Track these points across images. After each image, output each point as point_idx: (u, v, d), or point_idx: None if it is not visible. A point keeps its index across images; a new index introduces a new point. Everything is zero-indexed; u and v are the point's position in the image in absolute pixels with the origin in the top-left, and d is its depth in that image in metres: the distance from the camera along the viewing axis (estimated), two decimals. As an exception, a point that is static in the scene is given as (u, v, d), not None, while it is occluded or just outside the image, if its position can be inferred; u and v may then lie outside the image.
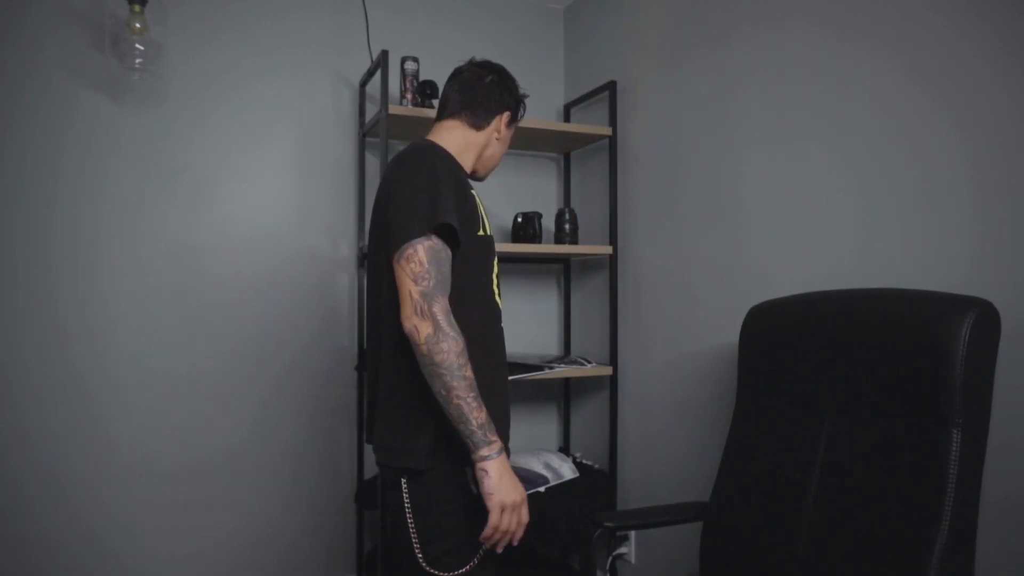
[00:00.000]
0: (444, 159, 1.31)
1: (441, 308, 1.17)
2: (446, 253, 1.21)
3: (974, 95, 1.37)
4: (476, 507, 1.25)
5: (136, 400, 2.23)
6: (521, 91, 1.55)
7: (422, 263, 1.17)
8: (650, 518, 1.80)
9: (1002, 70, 1.33)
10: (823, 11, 1.69)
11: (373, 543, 2.48)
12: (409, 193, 1.23)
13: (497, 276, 1.42)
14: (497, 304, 1.38)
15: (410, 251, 1.18)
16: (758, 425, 1.55)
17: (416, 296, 1.17)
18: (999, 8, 1.33)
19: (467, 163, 1.45)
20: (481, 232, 1.33)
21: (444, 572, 1.24)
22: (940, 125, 1.43)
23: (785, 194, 1.80)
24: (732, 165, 1.98)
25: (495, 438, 1.20)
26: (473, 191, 1.36)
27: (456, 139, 1.43)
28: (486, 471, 1.19)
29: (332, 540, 2.49)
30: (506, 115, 1.49)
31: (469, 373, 1.18)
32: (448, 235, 1.22)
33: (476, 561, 1.26)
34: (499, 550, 1.25)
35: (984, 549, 1.26)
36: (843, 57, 1.64)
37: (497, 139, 1.49)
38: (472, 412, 1.17)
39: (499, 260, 2.55)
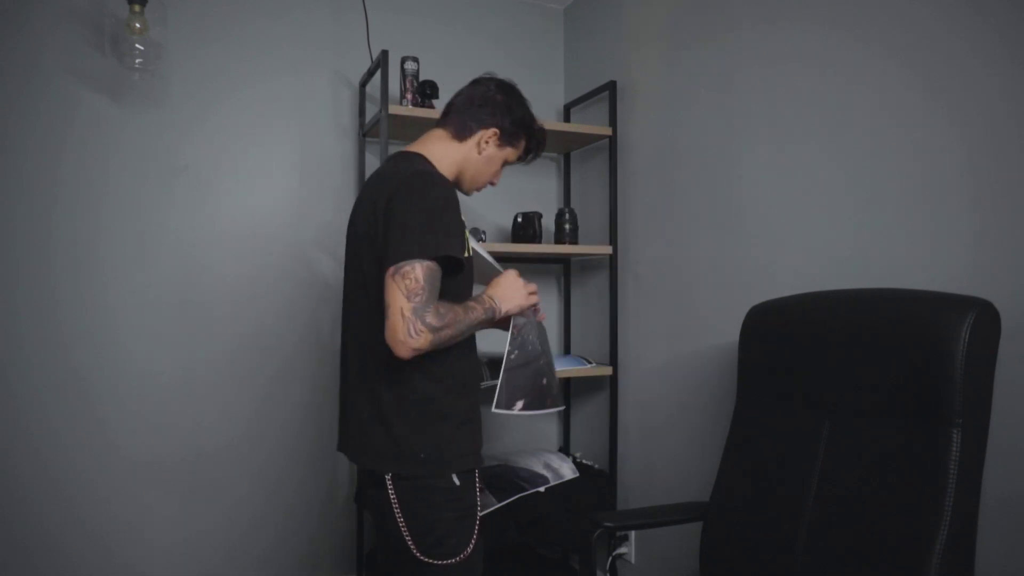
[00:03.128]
0: (447, 186, 1.32)
1: (433, 314, 1.21)
2: (439, 275, 1.25)
3: (975, 94, 1.37)
4: (461, 503, 1.31)
5: (134, 399, 2.23)
6: (536, 124, 1.52)
7: (418, 280, 1.20)
8: (650, 518, 1.81)
9: (1003, 70, 1.33)
10: (824, 12, 1.69)
11: (373, 543, 2.48)
12: (416, 218, 1.25)
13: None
14: None
15: (407, 268, 1.20)
16: (758, 425, 1.56)
17: (408, 314, 1.19)
18: (1000, 6, 1.33)
19: (448, 175, 1.44)
20: (467, 253, 1.35)
21: (438, 560, 1.28)
22: (941, 124, 1.43)
23: (785, 194, 1.80)
24: (732, 165, 1.98)
25: (487, 302, 1.36)
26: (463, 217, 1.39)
27: (438, 149, 1.44)
28: (501, 313, 1.40)
29: (332, 540, 2.49)
30: (491, 131, 1.45)
31: (467, 316, 1.28)
32: (448, 263, 1.27)
33: (467, 552, 1.30)
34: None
35: (984, 549, 1.26)
36: (843, 58, 1.64)
37: (479, 155, 1.46)
38: (482, 319, 1.33)
39: (500, 260, 2.57)
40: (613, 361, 2.46)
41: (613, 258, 2.46)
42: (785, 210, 1.80)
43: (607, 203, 2.50)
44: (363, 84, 2.44)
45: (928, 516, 1.15)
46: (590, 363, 2.47)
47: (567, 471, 2.34)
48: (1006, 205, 1.32)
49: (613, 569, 2.42)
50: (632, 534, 2.37)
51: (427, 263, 1.21)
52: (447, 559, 1.28)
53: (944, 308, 1.22)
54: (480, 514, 1.35)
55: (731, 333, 1.90)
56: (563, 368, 2.38)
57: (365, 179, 2.46)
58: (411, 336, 1.19)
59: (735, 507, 1.54)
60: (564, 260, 2.79)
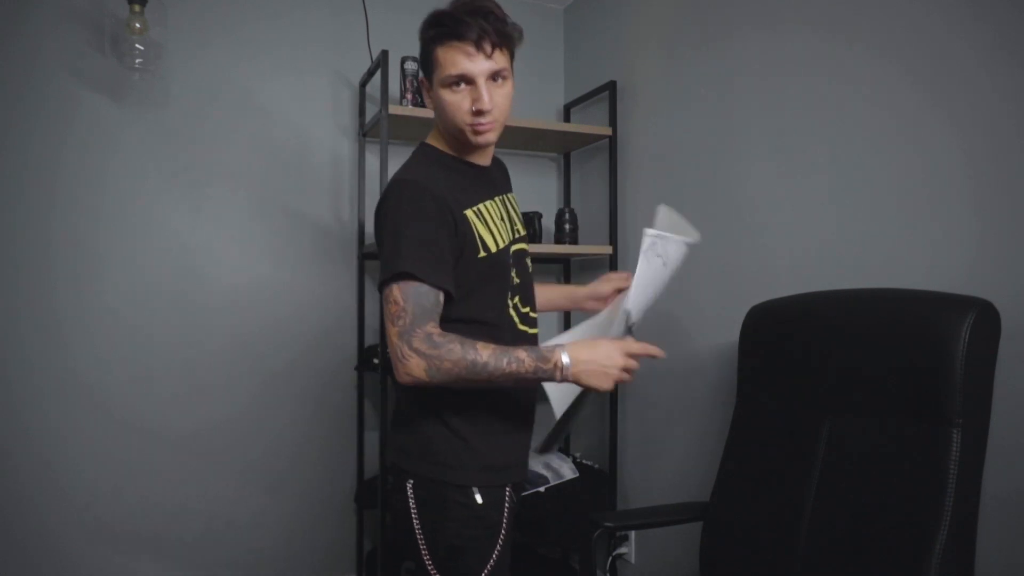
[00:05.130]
0: (415, 193, 1.16)
1: (421, 338, 1.10)
2: (424, 289, 1.13)
3: (974, 94, 1.37)
4: (482, 522, 1.22)
5: (134, 399, 2.23)
6: (432, 20, 1.18)
7: (397, 302, 1.11)
8: (650, 518, 1.81)
9: (1002, 70, 1.33)
10: (823, 11, 1.69)
11: (373, 543, 2.48)
12: (384, 235, 1.17)
13: (520, 285, 1.29)
14: (511, 319, 1.27)
15: (387, 291, 1.13)
16: (758, 425, 1.56)
17: (395, 339, 1.11)
18: (998, 8, 1.33)
19: (447, 139, 1.27)
20: (483, 253, 1.20)
21: (450, 572, 1.21)
22: (940, 124, 1.43)
23: (785, 194, 1.80)
24: (732, 165, 1.98)
25: (550, 359, 1.13)
26: (473, 209, 1.21)
27: (436, 128, 1.29)
28: (571, 381, 1.15)
29: (332, 540, 2.49)
30: (423, 79, 1.25)
31: (484, 355, 1.10)
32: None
33: (484, 574, 1.21)
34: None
35: (984, 549, 1.26)
36: (843, 57, 1.64)
37: (435, 106, 1.23)
38: (521, 371, 1.11)
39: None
40: (613, 361, 2.46)
41: (613, 258, 2.46)
42: (785, 210, 1.80)
43: (607, 203, 2.50)
44: (363, 84, 2.44)
45: (928, 516, 1.15)
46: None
47: (567, 471, 2.35)
48: (1006, 206, 1.32)
49: (613, 569, 2.42)
50: (632, 534, 2.37)
51: (402, 282, 1.11)
52: None
53: (944, 308, 1.22)
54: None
55: (731, 333, 1.90)
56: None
57: (365, 179, 2.47)
58: (400, 360, 1.10)
59: (735, 507, 1.54)
60: (564, 260, 2.79)
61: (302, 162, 2.46)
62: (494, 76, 1.18)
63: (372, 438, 2.47)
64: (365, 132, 2.44)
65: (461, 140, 1.23)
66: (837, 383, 1.38)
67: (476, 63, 1.15)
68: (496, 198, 1.29)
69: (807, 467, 1.38)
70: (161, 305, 2.27)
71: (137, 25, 2.03)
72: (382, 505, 2.14)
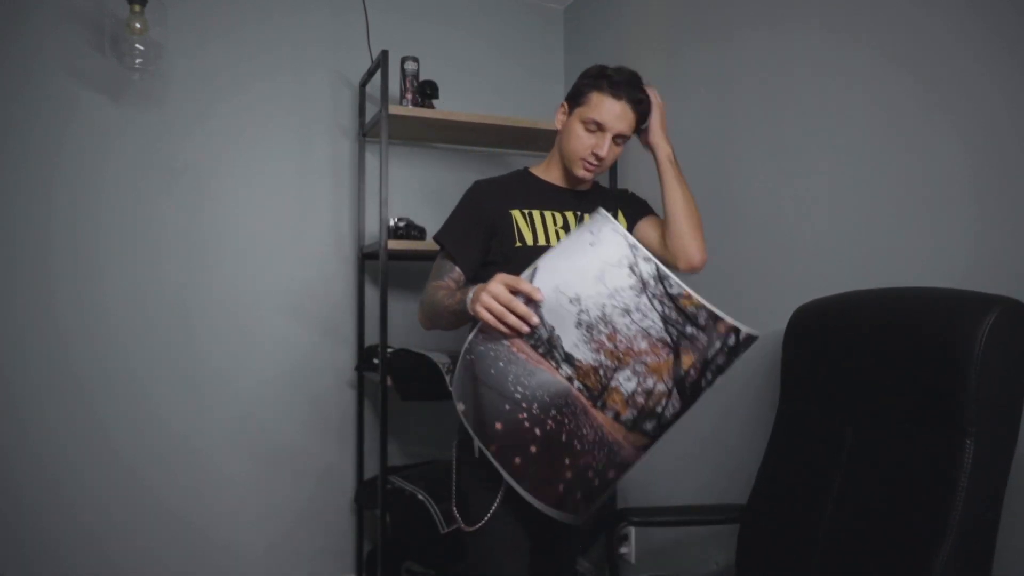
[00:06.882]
0: (472, 190, 1.52)
1: (424, 292, 1.46)
2: (445, 260, 1.47)
3: (970, 92, 1.37)
4: (479, 472, 1.33)
5: (134, 400, 2.23)
6: (596, 69, 1.46)
7: (434, 267, 1.49)
8: (680, 516, 1.79)
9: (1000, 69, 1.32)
10: (823, 12, 1.69)
11: (373, 543, 2.48)
12: None
13: None
14: None
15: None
16: (796, 428, 1.49)
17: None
18: (998, 8, 1.33)
19: (554, 166, 1.54)
20: (519, 244, 1.44)
21: (462, 523, 1.40)
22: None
23: (788, 195, 1.80)
24: (733, 165, 1.98)
25: (465, 295, 1.27)
26: (522, 211, 1.46)
27: (551, 155, 1.57)
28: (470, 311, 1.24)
29: (332, 540, 2.49)
30: (561, 106, 1.51)
31: (438, 295, 1.39)
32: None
33: (480, 525, 1.36)
34: (504, 326, 1.17)
35: (1001, 562, 1.16)
36: (841, 56, 1.64)
37: (561, 131, 1.51)
38: (454, 305, 1.32)
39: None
40: (613, 361, 2.46)
41: (613, 258, 2.45)
42: (788, 212, 1.80)
43: (607, 203, 2.50)
44: (363, 84, 2.43)
45: (931, 529, 1.08)
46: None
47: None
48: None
49: (612, 569, 2.42)
50: (632, 533, 2.37)
51: (440, 253, 1.49)
52: (466, 525, 1.38)
53: (961, 308, 1.14)
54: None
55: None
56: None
57: (365, 179, 2.47)
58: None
59: (770, 511, 1.48)
60: (564, 260, 2.78)
61: (302, 162, 2.45)
62: (617, 137, 1.44)
63: (372, 438, 2.47)
64: (365, 132, 2.43)
65: (565, 165, 1.51)
66: (861, 387, 1.31)
67: (614, 122, 1.42)
68: (567, 212, 1.51)
69: (830, 473, 1.32)
70: (160, 305, 2.27)
71: (137, 25, 2.03)
72: (382, 505, 2.13)
